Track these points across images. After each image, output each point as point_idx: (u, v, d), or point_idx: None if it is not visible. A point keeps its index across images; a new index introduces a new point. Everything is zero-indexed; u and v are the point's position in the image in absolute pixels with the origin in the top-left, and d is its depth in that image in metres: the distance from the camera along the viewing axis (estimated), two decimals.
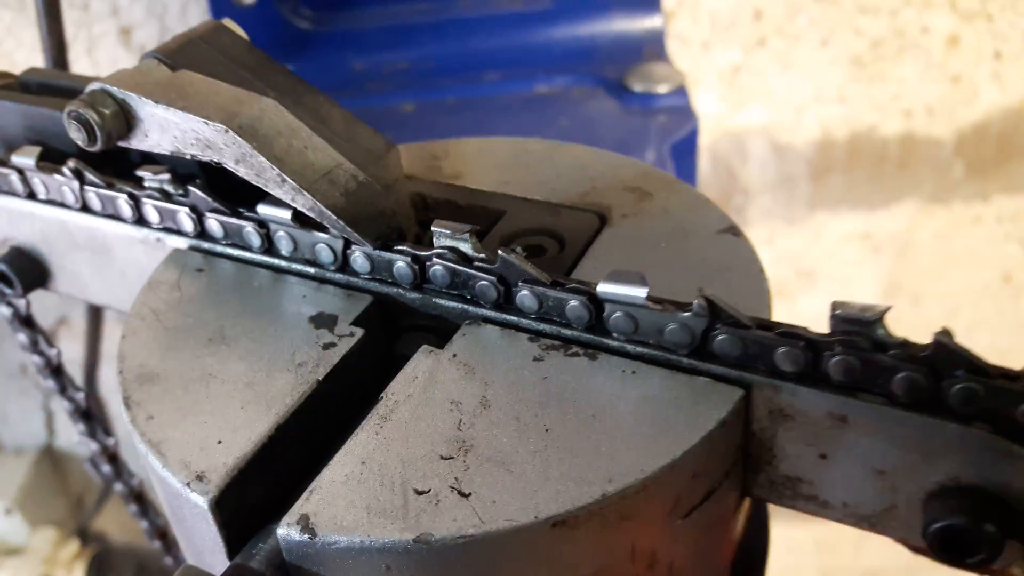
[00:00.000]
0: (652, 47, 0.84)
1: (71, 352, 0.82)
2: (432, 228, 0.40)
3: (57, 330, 1.39)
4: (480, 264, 0.39)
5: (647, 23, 0.85)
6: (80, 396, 0.64)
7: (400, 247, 0.41)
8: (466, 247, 0.39)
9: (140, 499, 0.70)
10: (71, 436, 1.55)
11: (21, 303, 0.58)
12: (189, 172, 0.46)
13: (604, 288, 0.37)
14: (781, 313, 0.38)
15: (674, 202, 0.47)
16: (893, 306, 0.33)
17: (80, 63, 1.09)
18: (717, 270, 0.42)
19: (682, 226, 0.45)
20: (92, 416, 0.66)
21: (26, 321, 0.61)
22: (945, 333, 0.32)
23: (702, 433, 0.34)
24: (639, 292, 0.36)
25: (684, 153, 0.74)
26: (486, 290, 0.39)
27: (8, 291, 0.56)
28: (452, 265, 0.40)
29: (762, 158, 1.15)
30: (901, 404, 0.33)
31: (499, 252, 0.38)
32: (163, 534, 0.73)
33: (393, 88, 0.80)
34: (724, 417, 0.35)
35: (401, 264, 0.41)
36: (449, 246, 0.40)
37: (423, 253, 0.40)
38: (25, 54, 1.12)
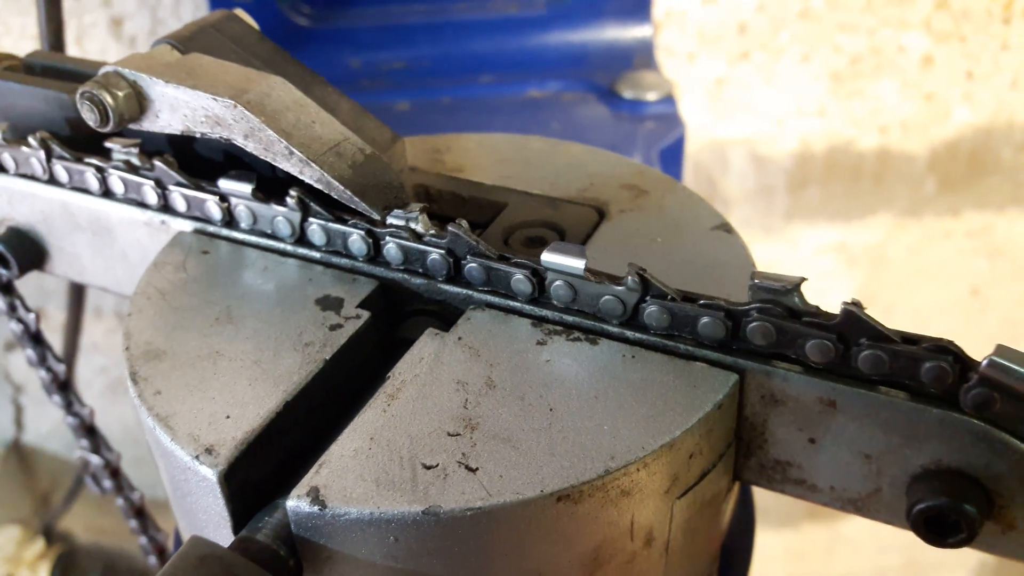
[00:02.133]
0: (642, 56, 0.87)
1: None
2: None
3: None
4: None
5: (637, 32, 0.87)
6: (61, 368, 0.64)
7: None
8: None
9: (116, 474, 0.69)
10: (40, 430, 1.51)
11: (2, 272, 0.57)
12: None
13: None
14: None
15: (669, 200, 0.48)
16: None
17: (69, 52, 1.09)
18: (711, 264, 0.44)
19: (677, 222, 0.47)
20: (68, 388, 0.66)
21: (5, 288, 0.60)
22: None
23: (700, 414, 0.35)
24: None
25: (671, 159, 0.76)
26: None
27: (4, 272, 0.56)
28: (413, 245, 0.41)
29: (742, 169, 1.18)
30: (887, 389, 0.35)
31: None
32: (139, 511, 0.72)
33: (389, 87, 0.81)
34: (720, 400, 0.36)
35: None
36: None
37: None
38: (12, 41, 1.11)
